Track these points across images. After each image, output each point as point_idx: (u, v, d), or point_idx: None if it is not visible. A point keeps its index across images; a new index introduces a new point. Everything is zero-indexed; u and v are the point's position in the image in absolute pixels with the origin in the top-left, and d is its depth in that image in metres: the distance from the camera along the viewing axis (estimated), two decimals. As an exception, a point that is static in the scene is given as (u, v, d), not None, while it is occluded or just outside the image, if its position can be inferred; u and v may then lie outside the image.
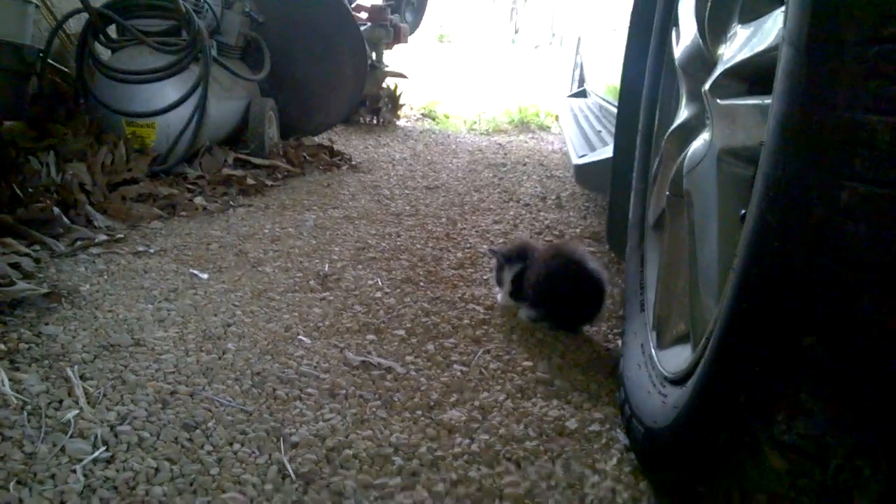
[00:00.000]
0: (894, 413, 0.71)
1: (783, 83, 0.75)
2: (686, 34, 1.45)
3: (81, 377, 1.48)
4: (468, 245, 2.66)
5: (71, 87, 3.31)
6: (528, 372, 1.65)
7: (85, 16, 3.19)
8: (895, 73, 0.62)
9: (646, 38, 1.81)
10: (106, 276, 2.09)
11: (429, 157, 4.60)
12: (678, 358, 1.25)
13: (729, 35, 1.19)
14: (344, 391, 1.51)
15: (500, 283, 2.04)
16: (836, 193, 0.67)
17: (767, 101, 0.82)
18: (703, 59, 1.34)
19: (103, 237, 2.39)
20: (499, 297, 2.07)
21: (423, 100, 7.28)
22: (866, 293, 0.67)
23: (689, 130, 1.42)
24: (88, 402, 1.39)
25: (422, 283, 2.22)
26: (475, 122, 6.52)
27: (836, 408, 0.73)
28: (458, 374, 1.63)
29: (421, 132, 5.81)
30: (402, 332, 1.83)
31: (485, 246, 2.63)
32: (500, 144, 5.39)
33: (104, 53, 3.34)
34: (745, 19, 1.10)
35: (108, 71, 3.12)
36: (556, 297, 1.86)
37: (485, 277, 2.29)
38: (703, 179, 1.19)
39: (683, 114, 1.49)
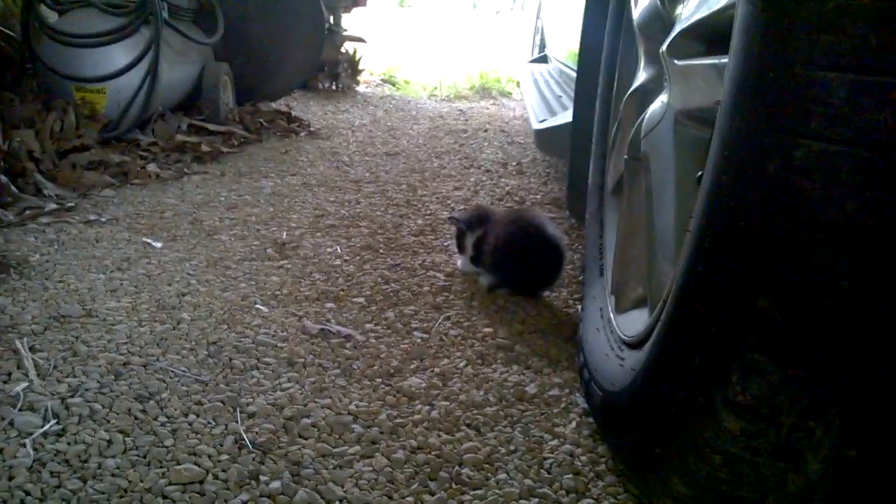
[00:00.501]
0: (846, 373, 0.71)
1: (739, 41, 0.74)
2: (644, -5, 1.44)
3: (31, 349, 1.44)
4: (428, 212, 2.65)
5: (17, 52, 3.20)
6: (489, 338, 1.65)
7: (29, -23, 3.08)
8: (851, 28, 0.62)
9: (604, 0, 1.79)
10: (56, 246, 2.03)
11: (389, 124, 4.55)
12: (636, 322, 1.25)
13: (686, -5, 1.18)
14: (302, 360, 1.49)
15: (460, 249, 2.03)
16: (791, 151, 0.66)
17: (724, 60, 0.81)
18: (661, 19, 1.33)
19: (53, 206, 2.33)
20: (459, 262, 2.06)
21: (384, 65, 7.18)
22: (820, 252, 0.67)
23: (647, 93, 1.42)
24: (38, 375, 1.35)
25: (381, 251, 2.20)
26: (436, 88, 6.46)
27: (789, 368, 0.73)
28: (419, 341, 1.62)
29: (381, 98, 5.75)
30: (361, 300, 1.81)
31: (445, 213, 2.62)
32: (460, 110, 5.35)
33: (51, 16, 3.23)
34: (703, -22, 1.09)
35: (55, 34, 3.02)
36: (515, 262, 1.86)
37: (445, 244, 2.27)
38: (660, 142, 1.19)
39: (642, 76, 1.48)
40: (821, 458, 0.76)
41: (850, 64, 0.63)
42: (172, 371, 1.40)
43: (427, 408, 1.35)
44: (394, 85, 6.64)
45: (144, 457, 1.15)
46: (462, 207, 2.70)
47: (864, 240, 0.65)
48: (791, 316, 0.71)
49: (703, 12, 1.02)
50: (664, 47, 1.17)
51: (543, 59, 4.88)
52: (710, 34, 1.05)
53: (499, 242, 1.86)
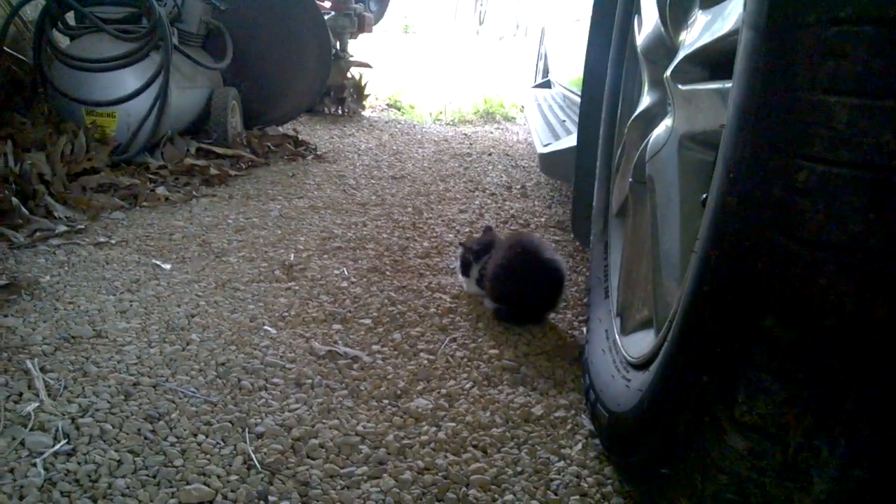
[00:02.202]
0: (851, 392, 0.72)
1: (743, 65, 0.75)
2: (648, 22, 1.46)
3: (42, 369, 1.45)
4: (434, 234, 2.66)
5: (28, 76, 3.24)
6: (495, 360, 1.66)
7: (42, 2, 3.12)
8: (852, 53, 0.63)
9: (608, 27, 1.82)
10: (66, 268, 2.05)
11: (394, 147, 4.58)
12: (641, 343, 1.26)
13: (690, 21, 1.20)
14: (310, 381, 1.50)
15: (463, 272, 2.03)
16: (795, 174, 0.68)
17: (728, 85, 0.83)
18: (664, 45, 1.35)
19: (63, 228, 2.36)
20: (465, 284, 2.07)
21: (389, 90, 7.24)
22: (823, 272, 0.68)
23: (651, 117, 1.43)
24: (49, 395, 1.36)
25: (388, 273, 2.21)
26: (441, 113, 6.51)
27: (794, 387, 0.74)
28: (425, 362, 1.63)
29: (386, 122, 5.79)
30: (368, 322, 1.82)
31: (451, 235, 2.63)
32: (465, 135, 5.39)
33: (62, 41, 3.27)
34: (706, 5, 1.11)
35: (66, 59, 3.06)
36: (513, 291, 1.85)
37: (451, 266, 2.29)
38: (664, 165, 1.20)
39: (646, 101, 1.50)
40: (827, 478, 0.76)
41: (852, 88, 0.64)
42: (182, 392, 1.41)
43: (434, 429, 1.36)
44: (399, 110, 6.69)
45: (154, 477, 1.15)
46: (467, 230, 2.72)
47: (866, 260, 0.66)
48: (796, 335, 0.72)
49: (707, 38, 1.04)
50: (668, 72, 1.19)
51: (547, 85, 4.92)
52: (713, 59, 1.06)
53: (497, 272, 1.85)
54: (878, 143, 0.63)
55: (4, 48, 3.13)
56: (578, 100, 2.12)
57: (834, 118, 0.65)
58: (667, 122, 1.25)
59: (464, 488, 1.19)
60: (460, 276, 2.07)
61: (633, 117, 1.55)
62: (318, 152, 4.15)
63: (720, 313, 0.80)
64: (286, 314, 1.83)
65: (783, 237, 0.70)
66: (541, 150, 2.65)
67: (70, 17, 3.26)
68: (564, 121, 3.09)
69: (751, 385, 0.76)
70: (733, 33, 0.90)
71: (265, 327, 1.74)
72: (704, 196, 0.88)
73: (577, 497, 1.19)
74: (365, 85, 6.15)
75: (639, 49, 1.53)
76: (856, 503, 0.79)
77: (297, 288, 2.02)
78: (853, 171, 0.65)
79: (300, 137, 4.33)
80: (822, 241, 0.68)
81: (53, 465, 1.16)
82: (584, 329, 1.79)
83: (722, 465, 0.83)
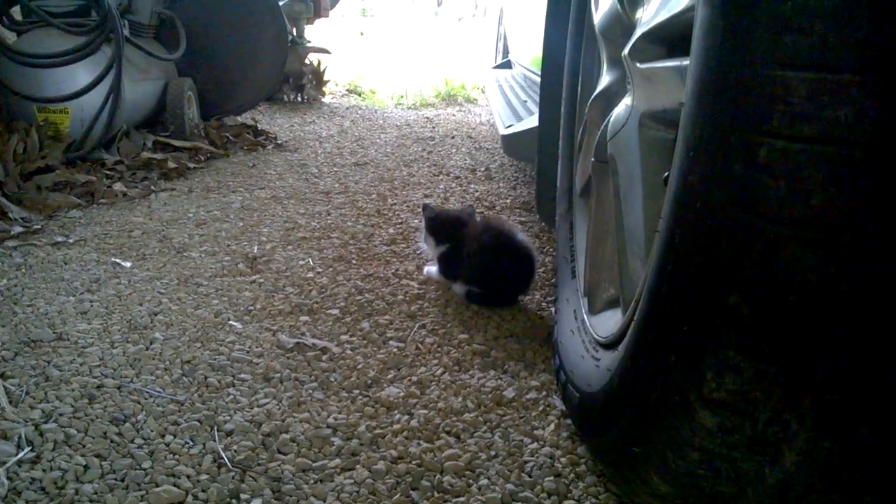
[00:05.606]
0: (818, 366, 0.72)
1: (700, 43, 0.75)
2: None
3: (1, 376, 1.42)
4: (399, 220, 2.65)
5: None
6: (465, 344, 1.65)
7: (-16, -2, 3.04)
8: (808, 27, 0.63)
9: (566, 5, 1.80)
10: (24, 270, 2.00)
11: (356, 134, 4.54)
12: (609, 322, 1.26)
13: (646, -2, 1.19)
14: (278, 375, 1.48)
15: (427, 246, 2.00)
16: (755, 150, 0.68)
17: (686, 62, 0.82)
18: (621, 23, 1.34)
19: (19, 229, 2.30)
20: (430, 270, 2.05)
21: (349, 75, 7.18)
22: (787, 248, 0.68)
23: (611, 96, 1.43)
24: (10, 402, 1.33)
25: (354, 261, 2.19)
26: (402, 97, 6.47)
27: (761, 363, 0.74)
28: (395, 350, 1.62)
29: (347, 108, 5.74)
30: (336, 312, 1.80)
31: (416, 221, 2.62)
32: (427, 118, 5.36)
33: (10, 37, 3.18)
34: (662, -18, 1.11)
35: (14, 55, 2.98)
36: (489, 275, 1.85)
37: (419, 252, 2.27)
38: (625, 144, 1.20)
39: (605, 80, 1.49)
40: (797, 451, 0.77)
41: (810, 62, 0.64)
42: (147, 392, 1.39)
43: (406, 417, 1.35)
44: (359, 95, 6.64)
45: (122, 480, 1.13)
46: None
47: (829, 234, 0.66)
48: (761, 311, 0.72)
49: (664, 16, 1.03)
50: (626, 51, 1.18)
51: (507, 65, 4.91)
52: (670, 37, 1.06)
53: (473, 255, 1.84)
54: (836, 117, 0.63)
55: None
56: (539, 79, 2.11)
57: (792, 93, 0.65)
58: (626, 101, 1.24)
59: (438, 475, 1.19)
60: (422, 244, 2.05)
61: (593, 96, 1.54)
62: (279, 141, 4.10)
63: (685, 292, 0.80)
64: (252, 308, 1.81)
65: (745, 214, 0.70)
66: (503, 131, 2.64)
67: (16, 12, 3.17)
68: (526, 101, 3.08)
69: (718, 363, 0.76)
70: (689, 10, 0.90)
71: (230, 322, 1.71)
72: (666, 175, 0.87)
73: (552, 478, 1.19)
74: (324, 71, 6.08)
75: (596, 27, 1.52)
76: (826, 473, 0.79)
77: (261, 281, 2.00)
78: (813, 145, 0.65)
79: (260, 127, 4.27)
80: (784, 217, 0.67)
81: (17, 474, 1.13)
82: (553, 310, 1.79)
83: (693, 443, 0.83)
